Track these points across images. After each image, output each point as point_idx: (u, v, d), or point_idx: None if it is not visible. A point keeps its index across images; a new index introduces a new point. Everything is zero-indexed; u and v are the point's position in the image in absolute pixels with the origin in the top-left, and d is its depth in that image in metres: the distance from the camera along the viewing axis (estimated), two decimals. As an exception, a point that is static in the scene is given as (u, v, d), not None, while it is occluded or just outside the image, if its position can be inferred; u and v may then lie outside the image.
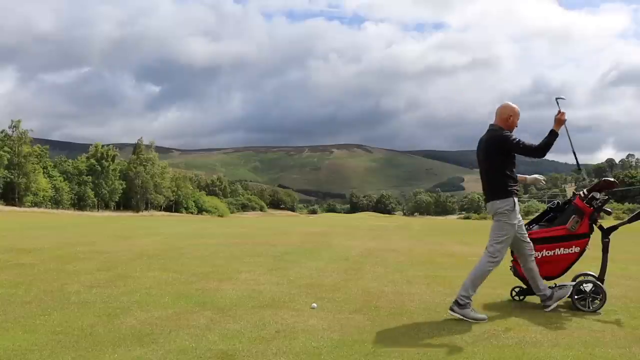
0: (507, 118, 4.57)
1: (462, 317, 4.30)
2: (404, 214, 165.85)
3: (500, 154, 4.48)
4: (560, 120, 4.47)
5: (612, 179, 4.95)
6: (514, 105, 4.64)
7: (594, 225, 4.85)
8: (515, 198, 4.46)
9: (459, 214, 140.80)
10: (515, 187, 4.49)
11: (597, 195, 4.82)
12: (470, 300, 4.37)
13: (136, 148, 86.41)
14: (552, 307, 4.61)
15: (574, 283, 4.80)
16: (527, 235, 4.69)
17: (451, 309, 4.38)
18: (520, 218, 4.61)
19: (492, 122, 4.63)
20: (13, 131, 63.29)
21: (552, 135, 4.43)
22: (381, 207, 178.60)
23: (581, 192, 4.93)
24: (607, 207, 4.93)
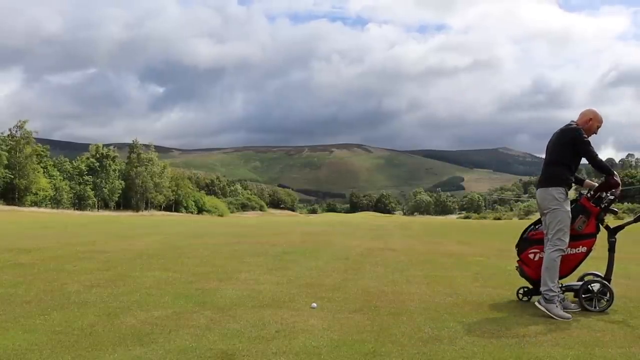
0: (587, 120, 4.82)
1: (545, 311, 4.46)
2: (404, 214, 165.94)
3: (570, 146, 4.72)
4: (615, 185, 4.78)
5: (617, 179, 4.93)
6: (597, 112, 4.90)
7: (600, 225, 4.85)
8: (567, 189, 4.74)
9: (459, 213, 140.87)
10: (570, 180, 4.78)
11: (604, 195, 4.82)
12: (557, 293, 4.53)
13: (133, 148, 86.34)
14: (542, 308, 4.52)
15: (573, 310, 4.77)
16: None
17: (538, 301, 4.61)
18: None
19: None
20: (17, 131, 63.35)
21: (608, 173, 4.73)
22: (381, 206, 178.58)
23: (587, 192, 4.93)
24: (613, 207, 4.93)
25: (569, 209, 4.69)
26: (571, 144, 4.71)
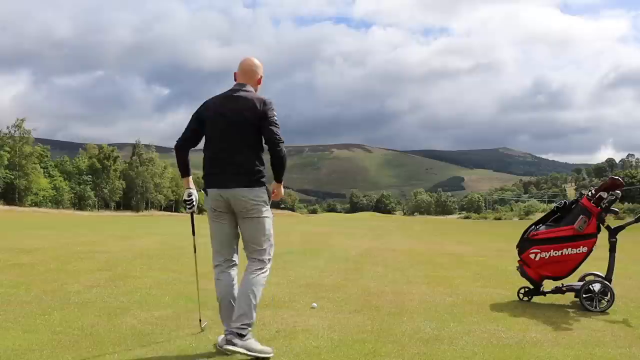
0: (259, 80, 3.58)
1: (245, 351, 3.21)
2: (404, 214, 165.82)
3: (259, 127, 3.37)
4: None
5: (617, 177, 4.93)
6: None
7: (601, 225, 4.84)
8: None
9: (459, 213, 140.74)
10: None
11: (604, 195, 4.81)
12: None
13: (135, 149, 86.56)
14: (240, 349, 3.22)
15: None
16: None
17: (228, 343, 3.22)
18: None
19: (241, 81, 3.50)
20: (15, 130, 63.34)
21: (279, 178, 3.51)
22: (381, 207, 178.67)
23: (588, 192, 4.93)
24: (614, 207, 4.93)
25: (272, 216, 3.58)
26: (260, 126, 3.42)
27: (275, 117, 3.42)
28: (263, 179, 3.41)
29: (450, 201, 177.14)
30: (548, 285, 5.04)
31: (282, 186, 3.56)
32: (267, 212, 3.49)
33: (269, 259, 3.54)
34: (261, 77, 3.58)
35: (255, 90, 3.52)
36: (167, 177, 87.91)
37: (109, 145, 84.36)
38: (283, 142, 3.41)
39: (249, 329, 3.29)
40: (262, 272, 3.48)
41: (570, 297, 5.07)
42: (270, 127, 3.37)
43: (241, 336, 3.23)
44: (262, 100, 3.40)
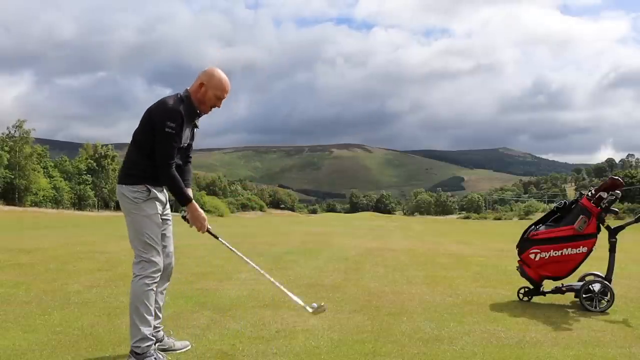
0: (200, 85, 3.20)
1: None
2: (404, 214, 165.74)
3: (153, 132, 3.09)
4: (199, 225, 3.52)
5: (617, 177, 4.93)
6: (218, 73, 3.22)
7: (601, 225, 4.84)
8: (151, 187, 3.17)
9: (459, 213, 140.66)
10: (153, 176, 3.15)
11: (604, 195, 4.81)
12: (151, 342, 3.08)
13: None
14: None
15: None
16: (172, 243, 3.57)
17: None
18: (168, 212, 3.48)
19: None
20: (16, 131, 63.34)
21: (185, 198, 3.30)
22: (381, 207, 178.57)
23: (588, 192, 4.93)
24: (614, 207, 4.92)
25: (153, 212, 3.24)
26: (153, 131, 3.10)
27: (167, 130, 3.02)
28: (136, 177, 3.15)
29: (450, 201, 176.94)
30: (548, 285, 5.04)
31: (192, 209, 3.32)
32: (137, 209, 3.16)
33: (144, 260, 3.17)
34: (202, 84, 3.16)
35: (196, 99, 3.19)
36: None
37: (108, 145, 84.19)
38: (168, 163, 3.08)
39: (145, 345, 3.03)
40: (138, 278, 3.12)
41: (570, 297, 5.07)
42: (159, 140, 3.05)
43: (137, 354, 3.03)
44: (162, 103, 3.12)
